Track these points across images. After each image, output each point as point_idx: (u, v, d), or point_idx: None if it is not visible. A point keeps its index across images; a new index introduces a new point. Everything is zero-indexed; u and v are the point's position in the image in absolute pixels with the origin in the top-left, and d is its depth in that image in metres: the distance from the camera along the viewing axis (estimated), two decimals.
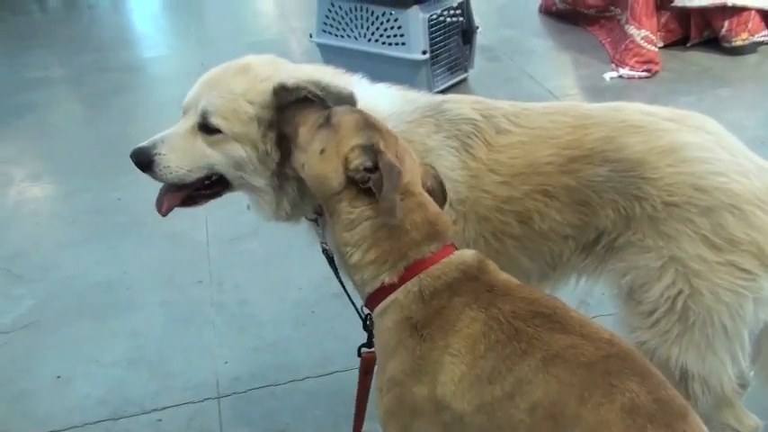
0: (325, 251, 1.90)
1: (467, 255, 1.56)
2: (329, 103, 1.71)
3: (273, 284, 3.07)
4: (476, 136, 1.86)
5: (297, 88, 1.73)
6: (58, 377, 2.68)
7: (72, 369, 2.71)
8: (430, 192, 1.61)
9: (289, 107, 1.74)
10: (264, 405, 2.48)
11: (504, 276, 1.55)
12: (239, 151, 1.81)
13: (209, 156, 1.83)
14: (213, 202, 3.50)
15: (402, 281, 1.52)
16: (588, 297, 2.66)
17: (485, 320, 1.43)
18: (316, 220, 1.92)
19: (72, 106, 5.43)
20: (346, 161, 1.53)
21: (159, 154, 1.83)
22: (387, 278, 1.53)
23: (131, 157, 1.85)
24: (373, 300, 1.57)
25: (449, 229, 1.59)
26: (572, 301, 2.62)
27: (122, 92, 5.31)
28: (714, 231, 1.67)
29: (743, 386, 1.90)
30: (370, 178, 1.50)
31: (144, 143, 1.86)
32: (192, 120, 1.83)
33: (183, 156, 1.83)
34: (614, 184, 1.76)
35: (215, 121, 1.79)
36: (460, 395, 1.42)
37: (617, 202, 1.76)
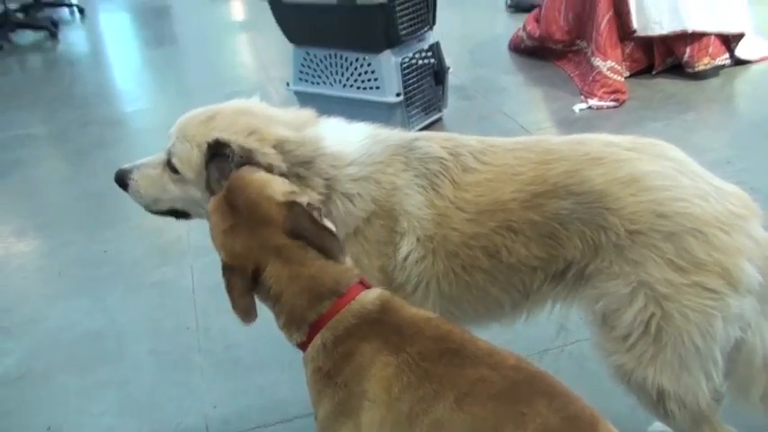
0: None
1: (367, 299, 1.60)
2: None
3: (259, 328, 3.02)
4: (443, 174, 1.92)
5: (226, 145, 1.84)
6: (49, 428, 2.71)
7: (63, 420, 2.74)
8: (303, 232, 1.61)
9: (218, 160, 1.86)
10: None
11: (410, 313, 1.60)
12: (196, 193, 1.95)
13: (170, 191, 2.00)
14: (199, 250, 3.63)
15: (310, 338, 1.60)
16: (567, 322, 2.74)
17: (396, 364, 1.48)
18: None
19: (56, 162, 5.51)
20: None
21: (133, 179, 2.05)
22: (298, 338, 1.64)
23: (115, 174, 2.09)
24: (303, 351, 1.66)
25: (340, 278, 1.61)
26: (552, 326, 2.72)
27: (105, 146, 5.40)
28: (679, 255, 1.74)
29: (718, 400, 1.95)
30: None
31: (126, 165, 2.09)
32: (164, 155, 2.00)
33: (151, 186, 2.04)
34: (579, 215, 1.82)
35: (175, 163, 1.95)
36: None
37: (584, 233, 1.82)
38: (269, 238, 1.60)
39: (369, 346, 1.52)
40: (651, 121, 4.44)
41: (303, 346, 1.64)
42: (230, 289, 1.60)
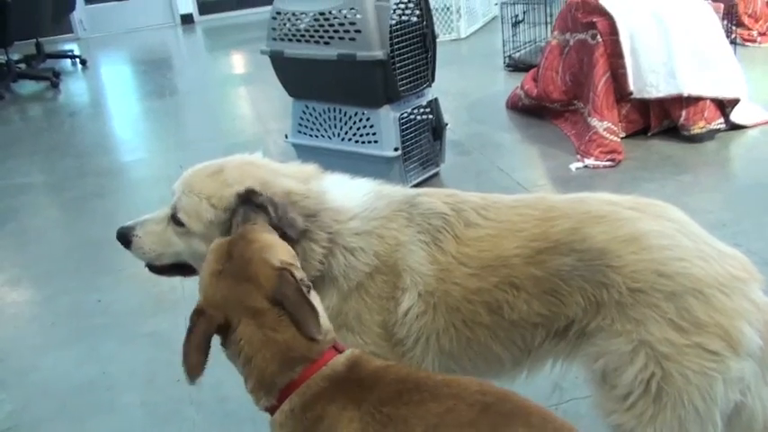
0: None
1: (338, 361, 1.60)
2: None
3: None
4: (446, 230, 1.94)
5: (260, 204, 1.85)
6: None
7: None
8: (284, 301, 1.59)
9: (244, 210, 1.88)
10: None
11: (374, 365, 1.60)
12: (201, 246, 1.95)
13: (175, 244, 2.01)
14: (193, 301, 3.59)
15: (279, 402, 1.60)
16: (562, 381, 2.72)
17: (359, 417, 1.49)
18: None
19: (53, 211, 5.52)
20: None
21: (137, 236, 2.06)
22: (266, 402, 1.63)
23: (117, 233, 2.09)
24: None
25: (312, 345, 1.60)
26: (547, 385, 2.70)
27: (102, 196, 5.42)
28: (679, 315, 1.73)
29: None
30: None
31: (129, 222, 2.10)
32: (168, 209, 2.02)
33: (155, 241, 2.04)
34: (581, 272, 1.82)
35: (181, 217, 1.96)
36: None
37: (585, 290, 1.82)
38: (248, 297, 1.58)
39: (334, 406, 1.52)
40: (647, 182, 4.47)
41: (271, 409, 1.62)
42: (189, 334, 1.57)
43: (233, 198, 1.90)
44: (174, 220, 1.98)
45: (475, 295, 1.89)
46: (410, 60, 4.45)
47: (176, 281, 3.81)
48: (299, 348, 1.58)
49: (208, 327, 1.58)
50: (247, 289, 1.58)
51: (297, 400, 1.56)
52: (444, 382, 1.50)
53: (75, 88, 9.63)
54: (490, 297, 1.89)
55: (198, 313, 1.59)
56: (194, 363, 1.58)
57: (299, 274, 1.66)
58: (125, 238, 2.08)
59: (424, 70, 4.58)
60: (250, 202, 1.87)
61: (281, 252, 1.68)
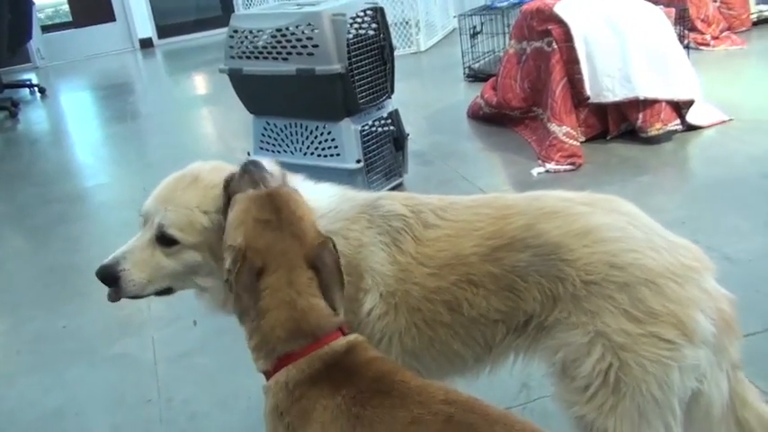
0: None
1: (339, 343, 1.62)
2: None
3: (223, 396, 3.08)
4: (405, 231, 1.96)
5: (240, 174, 1.85)
6: None
7: None
8: (321, 267, 1.65)
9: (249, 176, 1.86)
10: None
11: (365, 357, 1.62)
12: (196, 258, 1.94)
13: (166, 266, 1.95)
14: (159, 321, 3.59)
15: (274, 370, 1.61)
16: (529, 380, 2.74)
17: (332, 408, 1.50)
18: None
19: (15, 240, 5.45)
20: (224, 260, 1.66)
21: (124, 270, 1.94)
22: (263, 366, 1.64)
23: (97, 275, 1.95)
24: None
25: (323, 322, 1.63)
26: (514, 384, 2.72)
27: (66, 222, 5.36)
28: (633, 305, 1.77)
29: None
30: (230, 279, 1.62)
31: (107, 261, 1.95)
32: (149, 233, 1.95)
33: (145, 268, 1.94)
34: (537, 267, 1.85)
35: (172, 232, 1.91)
36: None
37: (542, 284, 1.85)
38: (291, 252, 1.62)
39: (315, 390, 1.54)
40: (608, 185, 4.53)
41: (266, 374, 1.64)
42: (237, 276, 1.58)
43: (221, 196, 1.89)
44: (162, 240, 1.93)
45: (435, 294, 1.92)
46: (369, 73, 4.48)
47: (142, 303, 3.82)
48: (311, 322, 1.60)
49: (250, 268, 1.58)
50: (293, 245, 1.62)
51: (293, 374, 1.57)
52: (416, 389, 1.50)
53: (34, 117, 9.51)
54: (450, 295, 1.91)
55: (241, 256, 1.59)
56: (247, 304, 1.59)
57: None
58: (111, 275, 1.94)
59: (383, 82, 4.62)
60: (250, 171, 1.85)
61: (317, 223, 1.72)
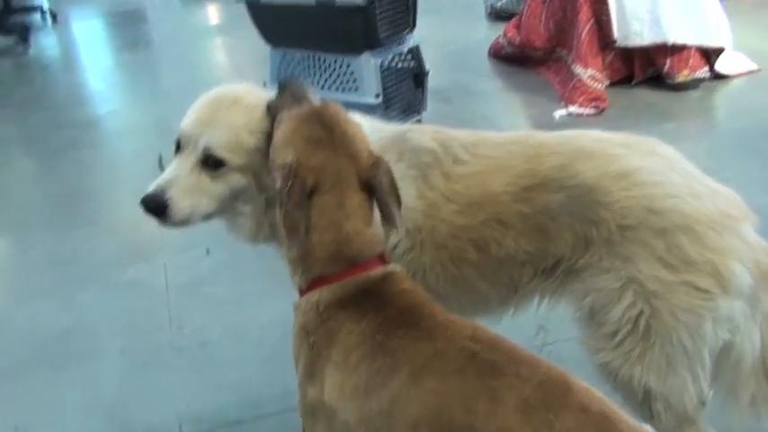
0: None
1: (376, 272, 1.58)
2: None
3: (234, 326, 3.05)
4: (434, 166, 1.90)
5: (280, 92, 1.78)
6: (16, 428, 2.62)
7: (30, 419, 2.65)
8: (377, 186, 1.59)
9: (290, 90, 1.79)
10: None
11: (399, 287, 1.57)
12: (241, 181, 1.86)
13: (212, 191, 1.86)
14: (172, 249, 3.56)
15: (309, 288, 1.58)
16: (547, 322, 2.70)
17: (357, 332, 1.47)
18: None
19: (26, 164, 5.40)
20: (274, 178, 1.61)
21: (171, 198, 1.83)
22: (298, 282, 1.61)
23: (143, 205, 1.83)
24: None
25: (364, 250, 1.59)
26: (531, 326, 2.68)
27: (77, 148, 5.29)
28: (669, 252, 1.71)
29: (703, 402, 1.90)
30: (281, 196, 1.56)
31: (150, 189, 1.84)
32: (191, 158, 1.85)
33: (192, 195, 1.85)
34: (570, 209, 1.79)
35: (220, 154, 1.83)
36: (343, 405, 1.46)
37: (574, 227, 1.79)
38: (345, 172, 1.57)
39: (344, 314, 1.51)
40: (631, 130, 4.27)
41: (300, 291, 1.62)
42: (290, 193, 1.52)
43: (266, 117, 1.82)
44: (208, 163, 1.84)
45: (462, 232, 1.86)
46: (390, 6, 4.34)
47: (155, 230, 3.77)
48: (353, 247, 1.56)
49: (303, 186, 1.53)
50: (346, 164, 1.57)
51: (326, 295, 1.54)
52: (444, 324, 1.46)
53: (45, 42, 9.38)
54: (477, 234, 1.86)
55: (293, 173, 1.54)
56: (297, 222, 1.53)
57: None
58: (159, 205, 1.83)
59: (405, 16, 4.47)
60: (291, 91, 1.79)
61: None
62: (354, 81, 4.43)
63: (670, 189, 1.74)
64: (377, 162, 1.60)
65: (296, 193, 1.53)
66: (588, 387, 1.33)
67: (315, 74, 4.59)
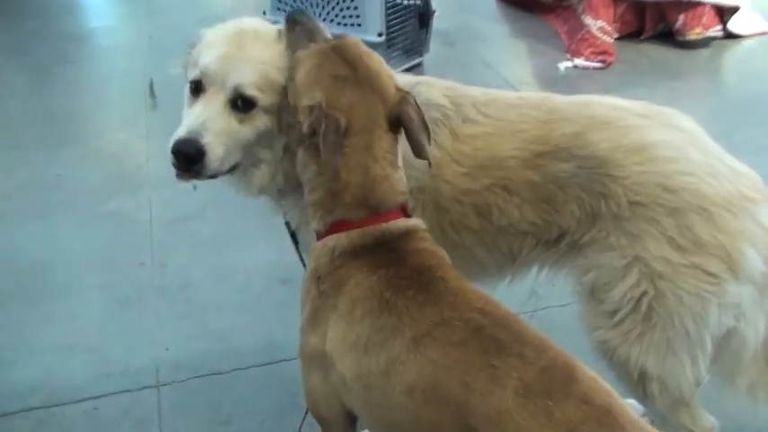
0: (287, 224, 1.88)
1: (397, 225, 1.52)
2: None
3: (218, 268, 2.98)
4: (443, 123, 1.82)
5: (290, 27, 1.68)
6: None
7: (2, 354, 2.58)
8: (407, 122, 1.52)
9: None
10: (206, 395, 2.40)
11: (417, 246, 1.52)
12: (267, 123, 1.73)
13: (241, 136, 1.71)
14: (158, 181, 3.45)
15: (327, 233, 1.53)
16: (539, 287, 2.64)
17: (366, 285, 1.44)
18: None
19: (12, 76, 5.18)
20: (299, 120, 1.54)
21: (208, 142, 1.66)
22: (316, 225, 1.56)
23: (176, 152, 1.65)
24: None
25: (389, 197, 1.53)
26: (523, 290, 2.62)
27: (66, 63, 5.10)
28: (680, 233, 1.64)
29: (697, 384, 1.87)
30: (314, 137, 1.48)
31: (183, 134, 1.66)
32: (220, 98, 1.70)
33: (228, 140, 1.69)
34: (580, 180, 1.72)
35: (251, 93, 1.69)
36: (342, 357, 1.43)
37: (582, 199, 1.73)
38: (374, 110, 1.51)
39: (356, 264, 1.48)
40: (637, 87, 4.33)
41: (318, 235, 1.57)
42: (325, 135, 1.45)
43: (288, 53, 1.70)
44: (241, 103, 1.70)
45: (465, 196, 1.80)
46: None
47: (141, 159, 3.69)
48: (377, 194, 1.51)
49: (338, 127, 1.46)
50: (375, 102, 1.51)
51: (343, 242, 1.50)
52: (455, 291, 1.42)
53: None
54: (480, 199, 1.80)
55: (324, 115, 1.46)
56: (336, 163, 1.47)
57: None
58: (193, 150, 1.64)
59: None
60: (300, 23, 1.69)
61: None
62: (358, 17, 4.27)
63: (687, 166, 1.67)
64: (405, 98, 1.54)
65: (331, 133, 1.45)
66: (595, 377, 1.28)
67: (317, 5, 4.41)
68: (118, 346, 2.61)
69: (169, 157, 1.67)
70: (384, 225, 1.51)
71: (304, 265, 1.88)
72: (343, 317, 1.45)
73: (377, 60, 1.57)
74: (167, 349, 2.58)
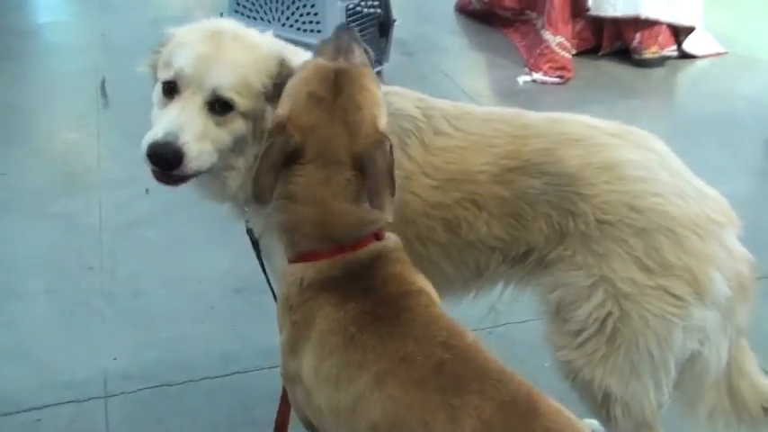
0: (250, 231, 1.84)
1: (366, 251, 1.48)
2: None
3: (170, 275, 2.90)
4: (414, 135, 1.79)
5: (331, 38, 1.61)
6: None
7: None
8: (369, 168, 1.43)
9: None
10: (156, 407, 2.33)
11: (388, 272, 1.48)
12: (243, 128, 1.68)
13: (220, 139, 1.67)
14: (109, 184, 3.35)
15: (296, 260, 1.50)
16: (499, 303, 2.61)
17: (333, 320, 1.41)
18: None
19: None
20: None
21: (186, 143, 1.61)
22: (285, 251, 1.53)
23: (152, 156, 1.60)
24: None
25: (352, 231, 1.48)
26: (482, 306, 2.58)
27: (13, 58, 4.91)
28: (647, 254, 1.65)
29: (660, 407, 1.87)
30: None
31: (160, 136, 1.61)
32: (197, 99, 1.65)
33: (206, 141, 1.65)
34: (549, 197, 1.72)
35: (229, 96, 1.64)
36: (317, 388, 1.42)
37: (551, 216, 1.72)
38: (338, 142, 1.44)
39: (324, 296, 1.45)
40: (596, 104, 4.35)
41: (290, 260, 1.53)
42: (266, 151, 1.41)
43: (273, 59, 1.69)
44: (218, 106, 1.65)
45: (434, 210, 1.78)
46: None
47: (92, 160, 3.57)
48: (340, 228, 1.47)
49: (285, 145, 1.41)
50: (342, 134, 1.44)
51: (310, 273, 1.47)
52: (421, 323, 1.41)
53: None
54: (450, 213, 1.78)
55: (279, 128, 1.42)
56: (266, 184, 1.43)
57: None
58: (172, 153, 1.60)
59: None
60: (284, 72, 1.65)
61: (383, 117, 1.51)
62: (318, 23, 4.22)
63: (655, 187, 1.68)
64: (378, 141, 1.45)
65: (275, 151, 1.41)
66: (558, 409, 1.27)
67: (276, 9, 4.35)
68: (63, 354, 2.51)
69: (144, 160, 1.62)
70: (353, 254, 1.46)
71: (265, 272, 1.85)
72: (316, 351, 1.43)
73: (369, 97, 1.48)
74: (116, 359, 2.50)
